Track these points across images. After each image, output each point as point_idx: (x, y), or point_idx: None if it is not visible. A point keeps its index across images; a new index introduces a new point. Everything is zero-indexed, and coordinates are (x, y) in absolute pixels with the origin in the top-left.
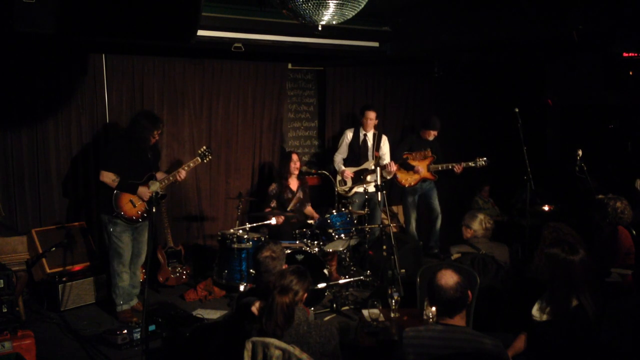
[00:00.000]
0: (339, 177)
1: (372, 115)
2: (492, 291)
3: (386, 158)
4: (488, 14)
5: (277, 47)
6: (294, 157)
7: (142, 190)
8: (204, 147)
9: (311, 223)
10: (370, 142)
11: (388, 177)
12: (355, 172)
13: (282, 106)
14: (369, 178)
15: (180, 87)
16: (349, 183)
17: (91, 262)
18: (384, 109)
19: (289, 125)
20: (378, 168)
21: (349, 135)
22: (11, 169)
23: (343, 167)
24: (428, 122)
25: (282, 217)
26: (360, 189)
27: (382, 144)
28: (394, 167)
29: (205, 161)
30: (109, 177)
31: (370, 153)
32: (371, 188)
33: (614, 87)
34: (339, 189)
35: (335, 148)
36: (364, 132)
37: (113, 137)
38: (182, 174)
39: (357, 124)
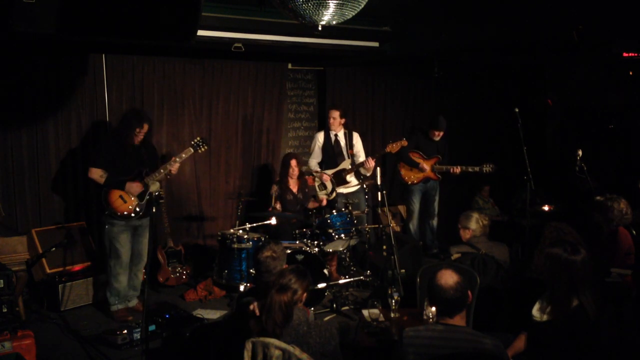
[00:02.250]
0: (317, 182)
1: (334, 114)
2: (492, 291)
3: (361, 155)
4: (488, 14)
5: (277, 47)
6: (292, 162)
7: (131, 185)
8: (198, 138)
9: (313, 223)
10: (342, 142)
11: (368, 174)
12: (333, 174)
13: (282, 106)
14: (348, 178)
15: (180, 87)
16: (329, 186)
17: (91, 262)
18: (384, 109)
19: (289, 125)
20: (377, 171)
21: (319, 138)
22: (11, 169)
23: (319, 170)
24: (433, 121)
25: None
26: (342, 190)
27: (354, 142)
28: (372, 163)
29: (199, 151)
30: (97, 174)
31: (345, 152)
32: (352, 189)
33: (614, 87)
34: (319, 194)
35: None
36: (334, 133)
37: (103, 135)
38: (175, 166)
39: (349, 125)
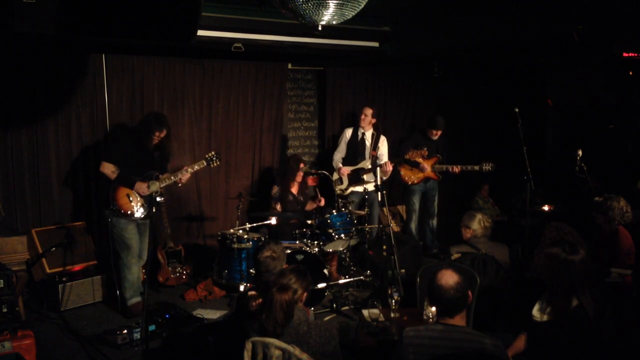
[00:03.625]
0: (335, 176)
1: (368, 111)
2: (492, 291)
3: (384, 158)
4: (488, 14)
5: (277, 47)
6: (301, 165)
7: (140, 185)
8: (213, 152)
9: (311, 223)
10: (368, 142)
11: (384, 177)
12: (351, 171)
13: (282, 106)
14: (365, 177)
15: (180, 87)
16: (345, 181)
17: (91, 262)
18: (384, 109)
19: (289, 125)
20: (378, 169)
21: (347, 133)
22: (11, 169)
23: (340, 165)
24: (431, 121)
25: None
26: (358, 188)
27: (380, 144)
28: (389, 167)
29: (212, 166)
30: (108, 169)
31: (367, 152)
32: (370, 187)
33: (614, 87)
34: (336, 188)
35: (335, 148)
36: (362, 131)
37: (121, 132)
38: (186, 176)
39: (357, 123)
